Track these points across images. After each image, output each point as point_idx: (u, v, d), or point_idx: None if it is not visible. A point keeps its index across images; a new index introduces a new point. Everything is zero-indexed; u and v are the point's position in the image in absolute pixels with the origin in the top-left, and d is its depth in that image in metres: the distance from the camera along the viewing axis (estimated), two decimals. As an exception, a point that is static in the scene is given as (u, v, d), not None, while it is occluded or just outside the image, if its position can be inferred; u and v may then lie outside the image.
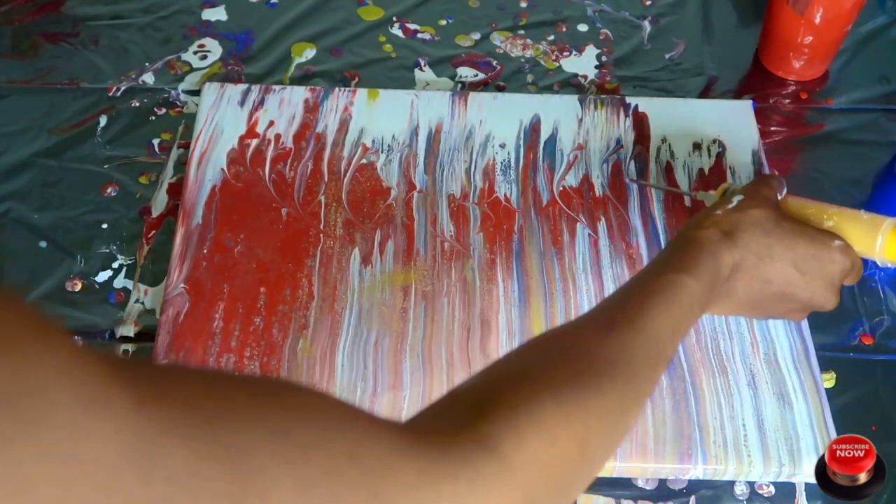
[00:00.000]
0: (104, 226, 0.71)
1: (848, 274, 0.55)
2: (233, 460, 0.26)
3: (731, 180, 0.73)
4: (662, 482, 0.59)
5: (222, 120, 0.75)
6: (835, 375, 0.64)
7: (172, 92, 0.81)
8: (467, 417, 0.36)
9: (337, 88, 0.78)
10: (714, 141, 0.76)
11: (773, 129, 0.81)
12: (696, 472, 0.58)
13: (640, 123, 0.77)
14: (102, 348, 0.64)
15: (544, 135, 0.75)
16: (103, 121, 0.78)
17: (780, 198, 0.58)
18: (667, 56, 0.87)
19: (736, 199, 0.55)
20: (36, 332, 0.23)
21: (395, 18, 0.89)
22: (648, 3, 0.92)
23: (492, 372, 0.41)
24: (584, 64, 0.85)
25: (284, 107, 0.76)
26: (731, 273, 0.51)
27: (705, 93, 0.84)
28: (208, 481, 0.25)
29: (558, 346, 0.43)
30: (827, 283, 0.54)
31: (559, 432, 0.37)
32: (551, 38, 0.88)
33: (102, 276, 0.68)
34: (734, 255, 0.51)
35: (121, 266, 0.68)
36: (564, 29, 0.89)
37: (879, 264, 0.57)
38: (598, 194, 0.72)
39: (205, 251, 0.66)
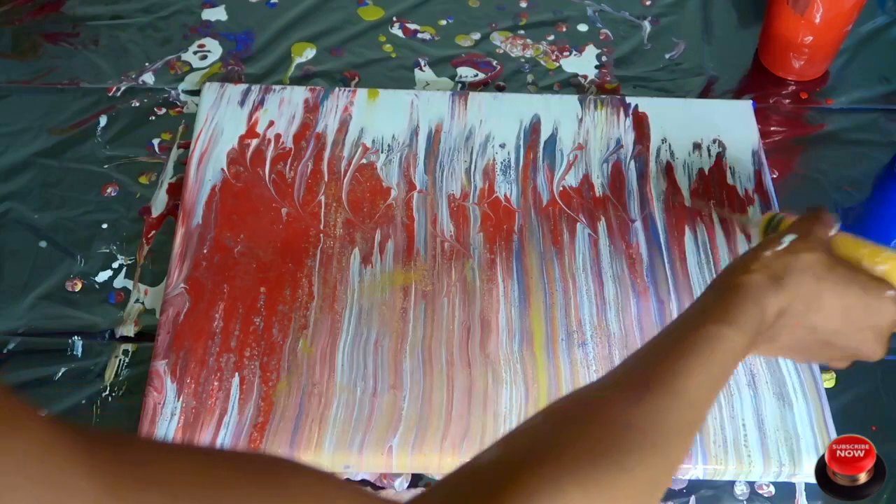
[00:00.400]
0: (104, 226, 0.71)
1: None
2: None
3: (732, 181, 0.73)
4: (662, 482, 0.59)
5: (222, 120, 0.75)
6: (835, 375, 0.64)
7: (172, 92, 0.81)
8: (485, 500, 0.34)
9: (337, 88, 0.78)
10: (714, 141, 0.76)
11: (773, 129, 0.81)
12: (696, 472, 0.58)
13: (640, 123, 0.77)
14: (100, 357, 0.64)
15: (544, 135, 0.75)
16: (103, 121, 0.78)
17: (831, 234, 0.54)
18: (667, 56, 0.87)
19: (787, 240, 0.51)
20: (3, 414, 0.22)
21: (395, 18, 0.89)
22: (648, 3, 0.92)
23: (513, 445, 0.39)
24: (584, 64, 0.85)
25: (284, 107, 0.76)
26: (776, 319, 0.48)
27: (705, 93, 0.84)
28: None
29: (585, 418, 0.40)
30: (876, 333, 0.51)
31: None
32: (551, 38, 0.88)
33: (102, 276, 0.68)
34: (781, 301, 0.47)
35: (121, 266, 0.68)
36: (564, 29, 0.89)
37: None
38: (598, 194, 0.72)
39: (205, 251, 0.66)
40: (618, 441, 0.38)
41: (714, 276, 0.66)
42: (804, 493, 0.59)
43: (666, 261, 0.67)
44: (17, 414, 0.22)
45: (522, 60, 0.86)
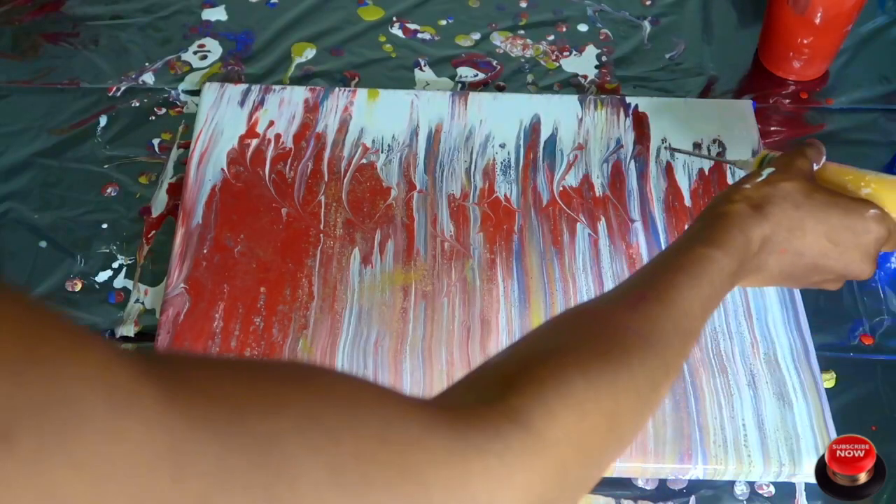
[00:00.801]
0: (104, 226, 0.71)
1: (885, 242, 0.54)
2: (261, 450, 0.26)
3: (732, 181, 0.73)
4: (662, 482, 0.59)
5: (222, 120, 0.75)
6: (835, 375, 0.64)
7: (172, 92, 0.81)
8: (496, 392, 0.36)
9: (337, 88, 0.78)
10: (714, 141, 0.76)
11: (773, 129, 0.81)
12: (696, 472, 0.58)
13: (640, 123, 0.77)
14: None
15: (544, 135, 0.75)
16: (103, 121, 0.78)
17: (817, 167, 0.57)
18: (667, 56, 0.87)
19: (766, 172, 0.54)
20: (63, 339, 0.23)
21: (395, 18, 0.89)
22: (648, 3, 0.92)
23: (520, 348, 0.41)
24: (584, 64, 0.85)
25: (284, 107, 0.76)
26: (762, 247, 0.51)
27: (705, 93, 0.84)
28: (238, 473, 0.25)
29: (586, 322, 0.43)
30: (862, 252, 0.53)
31: (589, 406, 0.37)
32: (551, 38, 0.88)
33: (102, 276, 0.68)
34: (764, 229, 0.50)
35: (121, 266, 0.68)
36: (564, 29, 0.89)
37: None
38: (598, 194, 0.72)
39: (205, 251, 0.66)
40: (619, 342, 0.41)
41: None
42: (804, 493, 0.59)
43: (666, 261, 0.67)
44: (75, 335, 0.24)
45: (522, 60, 0.86)
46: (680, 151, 0.73)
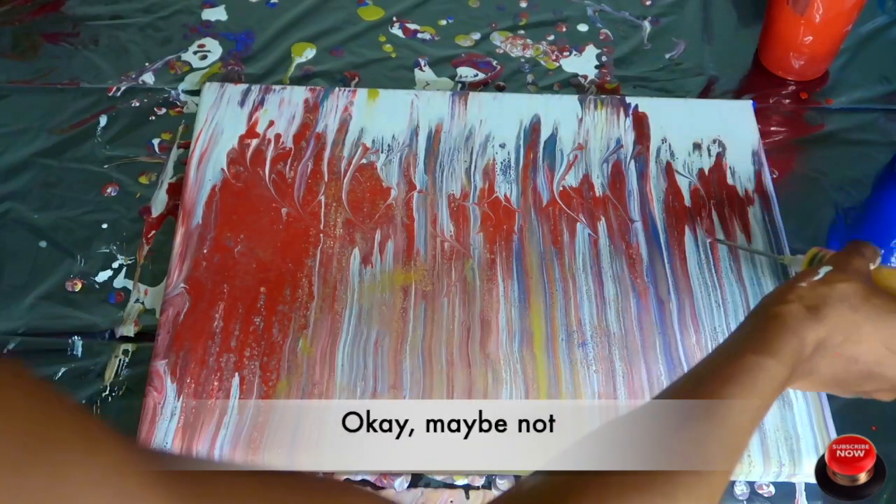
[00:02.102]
0: (104, 226, 0.71)
1: None
2: None
3: (732, 181, 0.73)
4: (662, 482, 0.59)
5: (222, 120, 0.75)
6: (835, 375, 0.64)
7: (172, 92, 0.81)
8: None
9: (337, 88, 0.78)
10: (714, 141, 0.76)
11: (773, 129, 0.81)
12: (696, 472, 0.58)
13: (640, 123, 0.77)
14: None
15: (544, 135, 0.75)
16: (103, 121, 0.78)
17: (872, 266, 0.54)
18: (667, 56, 0.87)
19: (823, 271, 0.51)
20: (72, 438, 0.23)
21: (395, 18, 0.89)
22: (648, 3, 0.92)
23: (558, 475, 0.39)
24: (584, 64, 0.85)
25: (284, 107, 0.76)
26: (815, 351, 0.48)
27: (705, 93, 0.84)
28: None
29: (626, 441, 0.40)
30: None
31: None
32: (551, 38, 0.88)
33: (102, 276, 0.68)
34: (819, 332, 0.47)
35: (121, 266, 0.68)
36: (564, 29, 0.89)
37: None
38: (598, 194, 0.72)
39: (205, 251, 0.66)
40: (662, 470, 0.38)
41: (714, 275, 0.67)
42: (804, 493, 0.59)
43: (666, 261, 0.67)
44: (93, 433, 0.23)
45: (522, 60, 0.86)
46: (725, 244, 0.69)
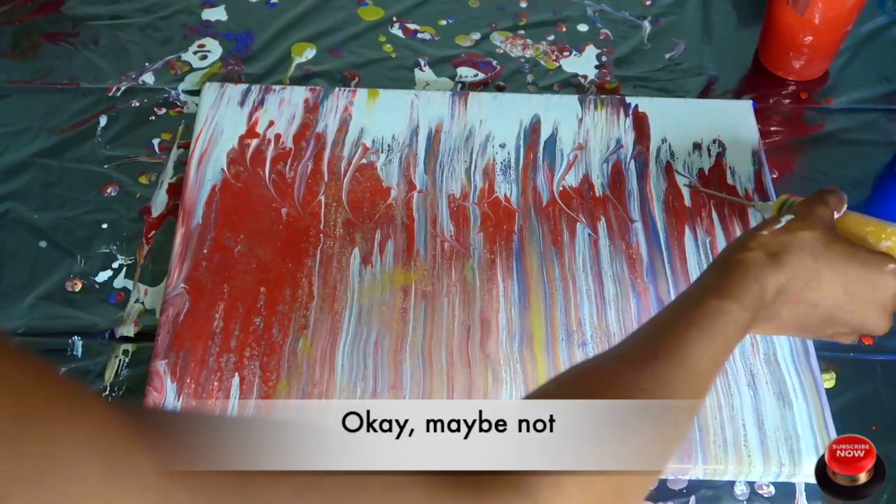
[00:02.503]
0: (104, 226, 0.71)
1: None
2: None
3: (732, 181, 0.73)
4: (662, 482, 0.59)
5: (222, 120, 0.75)
6: (835, 375, 0.64)
7: (172, 92, 0.81)
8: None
9: (337, 88, 0.78)
10: (714, 141, 0.76)
11: (773, 129, 0.81)
12: (696, 472, 0.58)
13: (640, 123, 0.77)
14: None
15: (544, 135, 0.75)
16: (103, 121, 0.78)
17: (838, 215, 0.55)
18: (667, 56, 0.87)
19: (785, 220, 0.52)
20: (56, 401, 0.23)
21: (395, 18, 0.89)
22: (648, 3, 0.92)
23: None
24: (584, 64, 0.85)
25: (284, 107, 0.76)
26: (776, 297, 0.49)
27: (705, 93, 0.84)
28: None
29: (594, 384, 0.41)
30: (879, 307, 0.52)
31: (596, 476, 0.36)
32: (551, 38, 0.88)
33: (102, 276, 0.68)
34: (779, 278, 0.49)
35: (121, 266, 0.68)
36: (564, 29, 0.89)
37: None
38: (598, 194, 0.72)
39: (205, 251, 0.66)
40: (628, 405, 0.39)
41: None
42: (804, 493, 0.59)
43: (666, 261, 0.67)
44: (77, 396, 0.24)
45: (522, 60, 0.86)
46: (707, 192, 0.71)
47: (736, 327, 0.46)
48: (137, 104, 0.79)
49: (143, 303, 0.66)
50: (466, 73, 0.84)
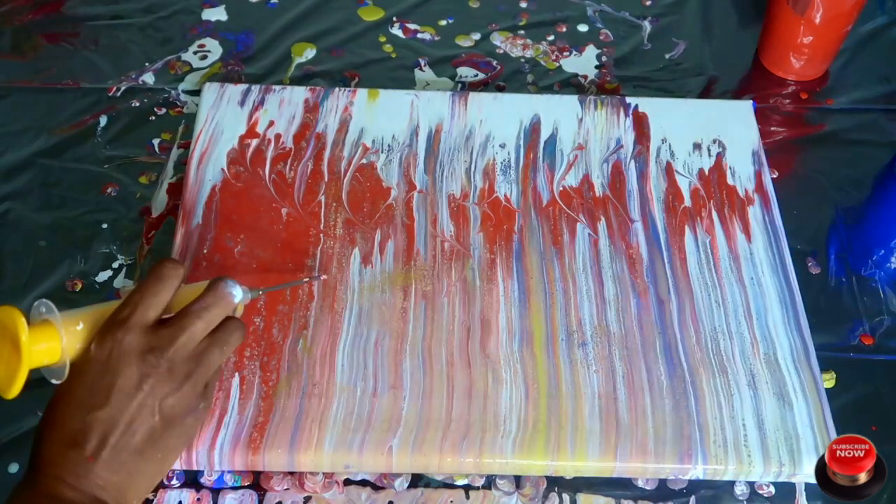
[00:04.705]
0: (104, 226, 0.71)
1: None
2: None
3: (732, 181, 0.73)
4: (662, 482, 0.59)
5: (222, 120, 0.75)
6: (835, 375, 0.64)
7: (172, 92, 0.81)
8: None
9: (337, 88, 0.78)
10: (714, 141, 0.76)
11: (773, 129, 0.81)
12: (696, 472, 0.58)
13: (640, 123, 0.77)
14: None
15: (544, 135, 0.75)
16: (103, 121, 0.78)
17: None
18: (667, 56, 0.87)
19: None
20: None
21: (395, 18, 0.89)
22: (648, 3, 0.92)
23: None
24: (584, 64, 0.86)
25: (284, 107, 0.76)
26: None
27: (705, 93, 0.84)
28: None
29: None
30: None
31: None
32: (551, 38, 0.88)
33: (102, 276, 0.68)
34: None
35: (121, 266, 0.68)
36: (564, 29, 0.89)
37: None
38: (598, 194, 0.72)
39: (205, 251, 0.66)
40: None
41: (714, 275, 0.67)
42: (804, 493, 0.59)
43: (666, 261, 0.67)
44: None
45: (522, 60, 0.86)
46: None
47: None
48: (137, 104, 0.79)
49: (143, 303, 0.66)
50: (466, 73, 0.84)
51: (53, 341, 0.49)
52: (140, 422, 0.49)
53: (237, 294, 0.54)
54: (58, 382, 0.50)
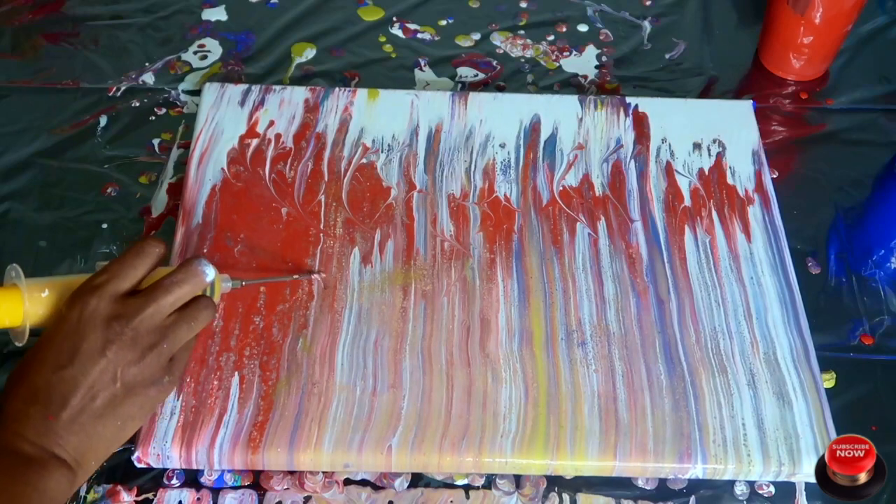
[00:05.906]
0: (104, 226, 0.71)
1: None
2: None
3: (732, 181, 0.73)
4: (662, 482, 0.59)
5: (222, 120, 0.75)
6: (835, 375, 0.64)
7: (172, 92, 0.81)
8: None
9: (337, 88, 0.78)
10: (714, 141, 0.76)
11: (773, 129, 0.81)
12: (696, 471, 0.58)
13: (640, 123, 0.77)
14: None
15: (544, 135, 0.76)
16: (103, 121, 0.78)
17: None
18: (667, 56, 0.87)
19: None
20: None
21: (395, 18, 0.89)
22: (648, 3, 0.92)
23: None
24: (584, 64, 0.86)
25: (284, 107, 0.76)
26: None
27: (705, 93, 0.84)
28: None
29: None
30: None
31: None
32: (551, 38, 0.88)
33: (102, 276, 0.68)
34: None
35: (121, 266, 0.68)
36: (564, 29, 0.89)
37: None
38: (598, 194, 0.72)
39: (205, 251, 0.66)
40: None
41: (714, 275, 0.67)
42: (804, 493, 0.59)
43: (666, 261, 0.67)
44: None
45: (522, 60, 0.86)
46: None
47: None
48: (137, 104, 0.79)
49: (142, 302, 0.66)
50: (466, 73, 0.84)
51: (16, 303, 0.52)
52: (101, 386, 0.50)
53: (209, 273, 0.56)
54: (20, 346, 0.53)
